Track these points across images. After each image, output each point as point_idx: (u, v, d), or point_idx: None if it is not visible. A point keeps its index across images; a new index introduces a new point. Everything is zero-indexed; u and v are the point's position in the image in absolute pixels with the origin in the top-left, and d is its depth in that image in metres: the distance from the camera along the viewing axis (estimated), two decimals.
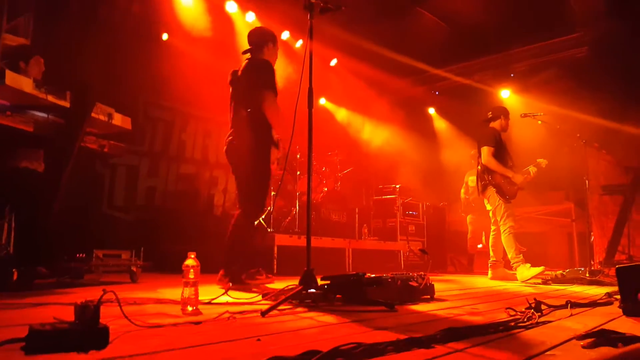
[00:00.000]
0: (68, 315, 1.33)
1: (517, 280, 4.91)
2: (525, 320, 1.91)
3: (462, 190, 7.46)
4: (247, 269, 3.51)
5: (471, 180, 7.31)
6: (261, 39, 3.63)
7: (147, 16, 6.25)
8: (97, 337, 1.15)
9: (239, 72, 3.60)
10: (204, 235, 5.96)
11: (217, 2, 6.65)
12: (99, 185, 5.95)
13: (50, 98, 3.12)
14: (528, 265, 4.75)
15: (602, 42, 6.98)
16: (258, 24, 7.06)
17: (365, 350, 1.22)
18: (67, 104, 3.23)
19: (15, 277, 2.56)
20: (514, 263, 4.83)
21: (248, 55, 3.65)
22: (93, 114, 3.39)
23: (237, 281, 3.28)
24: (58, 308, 1.94)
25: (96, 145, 3.66)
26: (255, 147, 3.36)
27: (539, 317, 2.03)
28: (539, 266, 4.68)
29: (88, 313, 1.16)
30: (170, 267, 4.71)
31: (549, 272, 4.70)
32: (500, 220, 4.97)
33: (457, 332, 1.55)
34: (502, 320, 1.85)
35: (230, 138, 3.53)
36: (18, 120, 3.04)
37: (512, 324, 1.81)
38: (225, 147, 3.59)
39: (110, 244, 3.94)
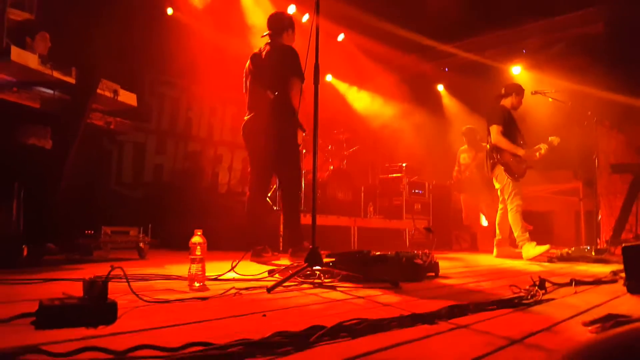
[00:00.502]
0: (77, 290, 1.36)
1: (522, 258, 4.93)
2: (529, 297, 1.92)
3: (455, 169, 7.37)
4: (253, 247, 3.64)
5: (462, 157, 7.26)
6: (281, 25, 3.76)
7: None
8: (106, 312, 1.18)
9: (262, 55, 3.70)
10: (209, 213, 6.01)
11: None
12: (106, 162, 5.98)
13: (56, 74, 3.11)
14: (534, 243, 4.75)
15: (618, 17, 6.78)
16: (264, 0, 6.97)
17: (369, 325, 1.23)
18: (72, 80, 3.22)
19: (25, 253, 2.60)
20: (519, 241, 4.83)
21: (267, 39, 3.76)
22: (99, 91, 3.38)
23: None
24: (67, 284, 1.98)
25: (102, 122, 3.66)
26: (285, 128, 3.55)
27: (543, 294, 2.03)
28: (544, 244, 4.68)
29: (96, 289, 1.18)
30: (177, 244, 4.76)
31: (555, 251, 4.70)
32: (508, 198, 4.95)
33: (460, 309, 1.56)
34: (506, 298, 1.86)
35: (250, 119, 3.69)
36: (24, 97, 3.04)
37: (516, 300, 1.82)
38: (243, 127, 3.74)
39: (118, 220, 3.98)
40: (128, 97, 3.65)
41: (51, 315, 1.11)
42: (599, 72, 6.53)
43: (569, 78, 6.89)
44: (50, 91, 3.17)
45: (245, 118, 3.74)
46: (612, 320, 1.34)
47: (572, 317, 1.55)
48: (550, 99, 5.24)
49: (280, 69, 3.56)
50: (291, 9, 7.40)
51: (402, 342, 1.11)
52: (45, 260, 2.92)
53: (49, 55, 3.60)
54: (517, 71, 8.34)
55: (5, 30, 4.89)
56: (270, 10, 7.08)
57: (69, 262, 3.02)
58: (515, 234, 4.87)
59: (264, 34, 3.79)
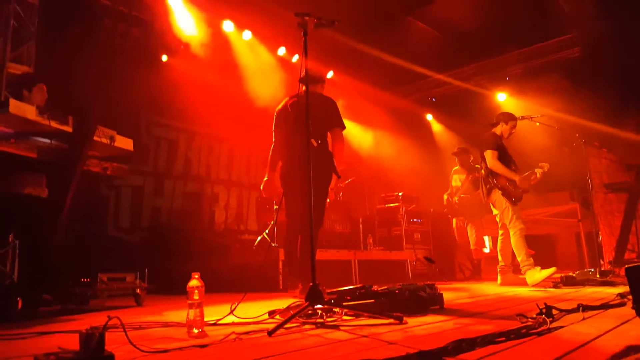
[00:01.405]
0: (73, 343, 1.32)
1: (527, 284, 4.86)
2: (536, 326, 1.88)
3: (447, 192, 7.20)
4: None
5: (454, 179, 7.10)
6: (319, 77, 4.19)
7: (146, 39, 6.33)
8: None
9: (302, 102, 3.85)
10: (207, 253, 5.96)
11: (213, 22, 6.73)
12: (103, 207, 5.97)
13: (53, 124, 3.14)
14: (538, 268, 4.68)
15: (593, 43, 7.01)
16: (255, 42, 7.17)
17: None
18: (69, 129, 3.25)
19: (19, 306, 2.55)
20: (524, 267, 4.76)
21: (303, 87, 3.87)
22: (95, 137, 3.40)
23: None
24: (63, 336, 1.93)
25: (99, 168, 3.67)
26: (323, 173, 3.80)
27: (551, 322, 2.00)
28: (549, 268, 4.63)
29: (93, 342, 1.14)
30: (175, 288, 4.68)
31: (558, 275, 4.64)
32: (510, 223, 4.91)
33: (467, 343, 1.52)
34: (513, 328, 1.82)
35: (291, 164, 3.92)
36: (22, 147, 3.06)
37: (524, 331, 1.78)
38: (281, 171, 4.07)
39: (116, 266, 3.93)
40: (124, 143, 3.68)
41: None
42: (581, 94, 6.68)
43: (553, 102, 7.05)
44: (47, 140, 3.20)
45: (290, 164, 3.94)
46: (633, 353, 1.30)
47: (582, 345, 1.51)
48: (537, 124, 5.31)
49: (323, 118, 3.84)
50: (281, 51, 7.61)
51: None
52: (40, 312, 2.86)
53: (47, 106, 3.65)
54: (502, 98, 8.50)
55: (5, 84, 4.99)
56: (261, 50, 7.30)
57: (65, 312, 2.96)
58: (519, 259, 4.80)
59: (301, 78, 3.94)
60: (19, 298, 2.55)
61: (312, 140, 3.66)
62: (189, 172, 7.23)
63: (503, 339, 1.63)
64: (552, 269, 4.59)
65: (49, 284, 3.10)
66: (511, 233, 4.90)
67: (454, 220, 7.20)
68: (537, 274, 4.62)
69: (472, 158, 7.03)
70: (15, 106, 2.88)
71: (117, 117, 4.80)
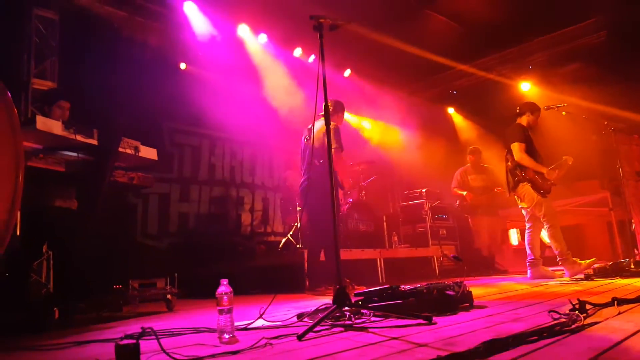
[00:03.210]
0: (109, 351, 1.35)
1: (557, 277, 4.77)
2: (570, 323, 1.84)
3: (464, 193, 7.03)
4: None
5: (472, 179, 7.01)
6: (334, 109, 4.75)
7: (164, 48, 6.45)
8: None
9: (314, 131, 4.58)
10: (234, 256, 6.03)
11: (229, 27, 6.79)
12: (132, 215, 6.10)
13: (79, 138, 3.22)
14: (577, 259, 4.62)
15: (620, 26, 6.78)
16: (271, 45, 7.22)
17: None
18: (95, 142, 3.33)
19: (56, 316, 2.63)
20: (563, 258, 4.69)
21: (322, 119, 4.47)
22: (120, 149, 3.48)
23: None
24: (99, 346, 1.99)
25: (125, 179, 3.75)
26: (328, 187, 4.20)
27: (585, 318, 1.95)
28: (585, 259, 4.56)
29: (128, 353, 1.17)
30: (205, 292, 4.77)
31: (598, 265, 4.54)
32: (544, 216, 4.81)
33: (500, 343, 1.50)
34: (546, 326, 1.79)
35: (305, 183, 4.69)
36: (50, 162, 3.14)
37: (557, 328, 1.74)
38: (300, 187, 4.84)
39: (147, 272, 4.01)
40: (149, 152, 3.75)
41: None
42: (608, 81, 6.47)
43: (579, 90, 6.86)
44: (74, 154, 3.29)
45: (304, 183, 4.70)
46: None
47: (619, 343, 1.47)
48: (563, 113, 5.18)
49: (323, 141, 4.41)
50: (297, 52, 7.63)
51: None
52: (75, 320, 2.94)
53: (73, 119, 3.75)
54: (526, 87, 8.32)
55: (30, 100, 5.16)
56: (277, 54, 7.34)
57: (99, 320, 3.03)
58: (559, 251, 4.72)
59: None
60: (55, 308, 2.63)
61: (315, 160, 4.54)
62: (214, 177, 7.33)
63: (536, 337, 1.60)
64: (592, 260, 4.53)
65: (82, 292, 3.20)
66: (546, 226, 4.82)
67: (472, 219, 7.10)
68: (577, 266, 4.55)
69: (482, 157, 7.09)
70: (42, 122, 2.97)
71: (141, 127, 4.91)
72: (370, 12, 6.41)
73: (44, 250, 3.60)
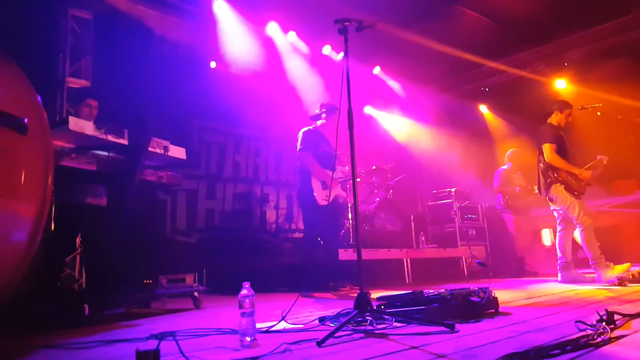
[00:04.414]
0: (133, 353, 1.39)
1: (588, 282, 4.62)
2: (595, 336, 1.78)
3: (508, 191, 7.03)
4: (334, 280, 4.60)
5: (516, 178, 7.01)
6: (319, 113, 4.82)
7: (195, 47, 6.55)
8: None
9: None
10: (260, 253, 6.09)
11: (258, 25, 6.84)
12: (161, 212, 6.24)
13: (110, 137, 3.33)
14: (611, 264, 4.48)
15: None
16: (300, 43, 7.23)
17: None
18: (125, 142, 3.43)
19: (86, 311, 2.73)
20: (597, 263, 4.55)
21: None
22: (150, 148, 3.57)
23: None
24: (125, 346, 2.05)
25: (154, 178, 3.84)
26: (305, 189, 4.55)
27: (612, 329, 1.88)
28: (621, 264, 4.40)
29: (148, 358, 1.21)
30: (231, 288, 4.85)
31: (634, 270, 4.38)
32: (578, 218, 4.67)
33: (520, 357, 1.47)
34: (571, 339, 1.73)
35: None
36: (83, 161, 3.25)
37: (582, 341, 1.69)
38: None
39: (176, 266, 4.12)
40: (177, 152, 3.83)
41: None
42: None
43: (617, 87, 6.59)
44: (105, 153, 3.39)
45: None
46: None
47: None
48: (598, 113, 5.00)
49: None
50: (326, 49, 7.61)
51: None
52: (105, 316, 3.04)
53: (104, 118, 3.86)
54: (561, 85, 8.05)
55: (65, 98, 5.35)
56: (306, 52, 7.35)
57: (127, 317, 3.13)
58: (592, 255, 4.59)
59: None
60: (85, 304, 2.73)
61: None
62: (239, 175, 7.42)
63: (558, 351, 1.56)
64: (627, 265, 4.38)
65: (113, 287, 3.31)
66: (580, 229, 4.68)
67: (514, 219, 7.00)
68: (610, 271, 4.41)
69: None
70: (74, 123, 3.08)
71: (170, 124, 5.01)
72: (400, 8, 6.32)
73: (77, 245, 3.74)
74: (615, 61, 7.19)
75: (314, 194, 4.44)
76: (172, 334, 1.67)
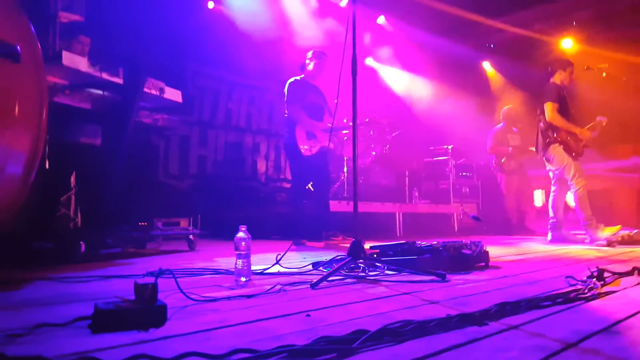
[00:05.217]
0: (130, 287, 1.41)
1: (578, 242, 4.72)
2: (586, 291, 1.82)
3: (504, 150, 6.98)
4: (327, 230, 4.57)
5: (511, 138, 6.93)
6: (307, 60, 4.65)
7: None
8: (156, 315, 1.22)
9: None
10: (252, 202, 6.12)
11: None
12: (155, 155, 6.19)
13: (105, 75, 3.23)
14: (601, 225, 4.57)
15: None
16: None
17: (415, 329, 1.20)
18: (120, 81, 3.33)
19: (82, 249, 2.75)
20: (587, 224, 4.63)
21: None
22: (145, 89, 3.48)
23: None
24: (121, 281, 2.08)
25: (150, 120, 3.78)
26: (290, 140, 4.47)
27: (602, 286, 1.93)
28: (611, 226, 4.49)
29: (147, 292, 1.22)
30: (225, 234, 4.90)
31: (625, 232, 4.46)
32: (573, 179, 4.71)
33: (512, 306, 1.49)
34: (561, 292, 1.77)
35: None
36: (77, 99, 3.18)
37: (572, 295, 1.73)
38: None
39: (169, 211, 4.12)
40: (173, 94, 3.75)
41: (106, 319, 1.17)
42: None
43: (622, 49, 6.45)
44: (100, 92, 3.30)
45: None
46: None
47: (634, 314, 1.45)
48: (604, 74, 4.92)
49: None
50: None
51: (449, 347, 1.08)
52: (101, 255, 3.07)
53: (97, 56, 3.74)
54: (568, 45, 7.87)
55: (58, 33, 5.13)
56: None
57: (123, 256, 3.17)
58: (584, 216, 4.67)
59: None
60: (82, 242, 2.75)
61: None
62: (230, 123, 7.32)
63: (549, 303, 1.59)
64: (617, 227, 4.47)
65: (108, 227, 3.32)
66: (574, 190, 4.73)
67: (505, 178, 7.00)
68: (600, 233, 4.49)
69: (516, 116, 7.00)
70: (68, 58, 2.97)
71: (165, 67, 4.87)
72: None
73: (72, 184, 3.71)
74: (625, 22, 7.01)
75: (299, 144, 4.40)
76: (169, 271, 1.69)
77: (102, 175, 3.38)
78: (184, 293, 1.57)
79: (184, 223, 3.89)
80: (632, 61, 6.24)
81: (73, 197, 3.83)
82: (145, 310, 1.20)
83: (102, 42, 4.03)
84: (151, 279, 1.36)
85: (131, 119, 3.44)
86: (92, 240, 2.97)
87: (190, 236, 3.80)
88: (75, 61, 3.03)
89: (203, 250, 3.78)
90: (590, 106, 5.63)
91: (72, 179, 3.39)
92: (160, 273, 1.52)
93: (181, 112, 5.10)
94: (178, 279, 1.72)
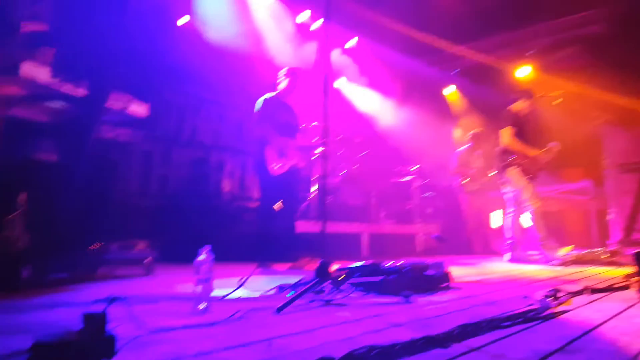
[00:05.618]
0: (77, 318, 1.31)
1: (535, 262, 4.86)
2: (542, 310, 1.87)
3: (466, 171, 7.21)
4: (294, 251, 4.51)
5: (473, 159, 7.15)
6: (280, 78, 4.60)
7: (163, 1, 6.19)
8: (104, 347, 1.13)
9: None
10: (216, 221, 5.98)
11: None
12: (114, 172, 5.95)
13: (66, 88, 3.10)
14: (555, 246, 4.78)
15: (620, 18, 6.74)
16: (276, 7, 6.98)
17: (380, 353, 1.19)
18: (83, 94, 3.20)
19: (28, 273, 2.57)
20: (541, 244, 4.79)
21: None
22: (109, 103, 3.36)
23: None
24: (67, 311, 1.93)
25: (112, 134, 3.64)
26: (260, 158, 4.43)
27: (557, 305, 1.98)
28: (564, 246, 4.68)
29: (95, 322, 1.14)
30: (186, 256, 4.73)
31: (576, 253, 4.65)
32: (529, 200, 4.89)
33: (473, 328, 1.52)
34: (520, 312, 1.81)
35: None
36: (34, 112, 3.03)
37: (530, 315, 1.77)
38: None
39: (126, 233, 3.95)
40: (139, 108, 3.63)
41: (46, 353, 1.05)
42: (604, 72, 6.48)
43: (575, 79, 6.85)
44: (59, 104, 3.16)
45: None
46: None
47: (586, 332, 1.50)
48: (558, 101, 5.21)
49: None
50: (303, 16, 7.40)
51: None
52: (48, 281, 2.87)
53: (60, 67, 3.60)
54: (525, 72, 8.26)
55: (19, 44, 4.92)
56: (281, 17, 7.11)
57: (72, 281, 2.97)
58: (539, 237, 4.83)
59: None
60: (26, 265, 2.57)
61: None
62: (196, 139, 7.19)
63: (509, 323, 1.62)
64: (570, 247, 4.66)
65: (58, 250, 3.13)
66: (530, 211, 4.89)
67: (468, 198, 7.19)
68: (554, 252, 4.67)
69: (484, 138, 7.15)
70: (27, 68, 2.84)
71: (131, 80, 4.73)
72: None
73: (19, 203, 3.50)
74: (578, 52, 7.44)
75: (269, 163, 4.35)
76: (121, 299, 1.59)
77: (56, 194, 3.21)
78: (137, 322, 1.48)
79: (141, 245, 3.73)
80: (582, 91, 6.61)
81: (20, 218, 3.61)
82: (92, 342, 1.11)
83: (67, 53, 3.88)
84: (101, 307, 1.27)
85: (92, 133, 3.31)
86: (38, 264, 2.79)
87: (147, 259, 3.63)
88: (35, 72, 2.89)
89: (161, 275, 3.61)
90: (546, 131, 5.90)
91: (22, 197, 3.20)
92: (111, 300, 1.42)
93: (145, 128, 4.97)
94: (132, 307, 1.62)
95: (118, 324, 1.53)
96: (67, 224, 3.13)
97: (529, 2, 7.01)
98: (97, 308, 1.25)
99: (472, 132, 7.41)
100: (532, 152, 4.93)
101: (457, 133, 9.07)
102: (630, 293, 2.39)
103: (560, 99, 5.21)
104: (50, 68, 3.15)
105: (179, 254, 4.71)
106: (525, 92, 5.23)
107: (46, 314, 1.88)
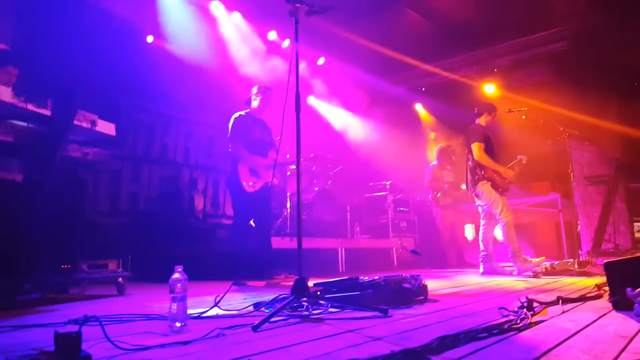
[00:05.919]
0: (49, 338, 1.27)
1: (507, 273, 4.95)
2: (518, 321, 1.91)
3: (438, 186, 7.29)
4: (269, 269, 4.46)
5: (445, 174, 7.23)
6: (252, 95, 4.66)
7: (131, 19, 6.13)
8: None
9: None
10: (189, 240, 5.88)
11: (202, 3, 6.56)
12: (83, 192, 5.79)
13: (31, 107, 3.03)
14: (527, 257, 4.86)
15: (580, 36, 7.08)
16: (244, 26, 7.03)
17: None
18: (48, 112, 3.14)
19: None
20: (515, 256, 4.88)
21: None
22: (75, 122, 3.30)
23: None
24: (39, 331, 1.87)
25: (79, 154, 3.57)
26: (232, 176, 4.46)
27: (532, 315, 2.03)
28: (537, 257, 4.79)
29: (68, 342, 1.10)
30: (159, 275, 4.63)
31: (548, 263, 4.76)
32: (500, 214, 4.99)
33: (451, 340, 1.53)
34: (496, 323, 1.84)
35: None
36: None
37: (506, 326, 1.80)
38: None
39: (97, 251, 3.83)
40: (106, 127, 3.59)
41: None
42: (567, 87, 6.75)
43: (540, 94, 7.12)
44: (24, 124, 3.08)
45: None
46: None
47: (562, 342, 1.53)
48: (523, 117, 5.39)
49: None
50: (272, 35, 7.47)
51: None
52: (17, 302, 2.77)
53: (25, 86, 3.52)
54: (490, 90, 8.53)
55: None
56: (249, 36, 7.16)
57: (43, 302, 2.88)
58: (512, 248, 4.92)
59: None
60: None
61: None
62: (166, 157, 7.09)
63: (486, 335, 1.64)
64: (542, 258, 4.77)
65: (27, 271, 3.02)
66: (502, 223, 5.00)
67: (440, 212, 7.27)
68: (527, 264, 4.75)
69: (453, 154, 7.29)
70: None
71: (97, 99, 4.66)
72: (348, 3, 6.32)
73: None
74: (541, 69, 7.75)
75: (242, 181, 4.35)
76: (95, 318, 1.55)
77: (23, 214, 3.11)
78: (111, 342, 1.44)
79: (112, 265, 3.62)
80: (546, 107, 6.87)
81: None
82: None
83: (31, 72, 3.80)
84: (74, 327, 1.24)
85: (58, 152, 3.23)
86: (5, 285, 2.68)
87: (120, 279, 3.54)
88: None
89: (134, 294, 3.53)
90: (513, 146, 6.09)
91: None
92: (85, 320, 1.38)
93: (113, 146, 4.88)
94: (105, 326, 1.58)
95: (92, 344, 1.49)
96: (36, 244, 3.02)
97: (494, 22, 7.27)
98: (71, 328, 1.22)
99: (438, 147, 7.54)
100: (501, 167, 5.08)
101: (428, 148, 9.25)
102: (603, 302, 2.45)
103: (524, 115, 5.38)
104: (14, 87, 3.08)
105: (152, 272, 4.60)
106: (490, 106, 5.38)
107: (18, 334, 1.83)
